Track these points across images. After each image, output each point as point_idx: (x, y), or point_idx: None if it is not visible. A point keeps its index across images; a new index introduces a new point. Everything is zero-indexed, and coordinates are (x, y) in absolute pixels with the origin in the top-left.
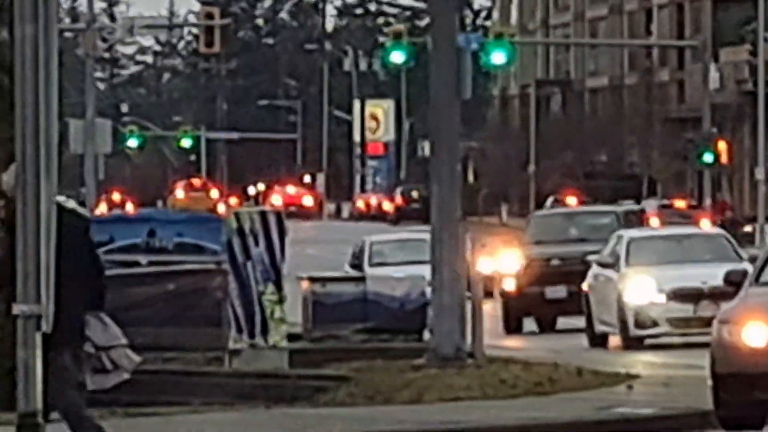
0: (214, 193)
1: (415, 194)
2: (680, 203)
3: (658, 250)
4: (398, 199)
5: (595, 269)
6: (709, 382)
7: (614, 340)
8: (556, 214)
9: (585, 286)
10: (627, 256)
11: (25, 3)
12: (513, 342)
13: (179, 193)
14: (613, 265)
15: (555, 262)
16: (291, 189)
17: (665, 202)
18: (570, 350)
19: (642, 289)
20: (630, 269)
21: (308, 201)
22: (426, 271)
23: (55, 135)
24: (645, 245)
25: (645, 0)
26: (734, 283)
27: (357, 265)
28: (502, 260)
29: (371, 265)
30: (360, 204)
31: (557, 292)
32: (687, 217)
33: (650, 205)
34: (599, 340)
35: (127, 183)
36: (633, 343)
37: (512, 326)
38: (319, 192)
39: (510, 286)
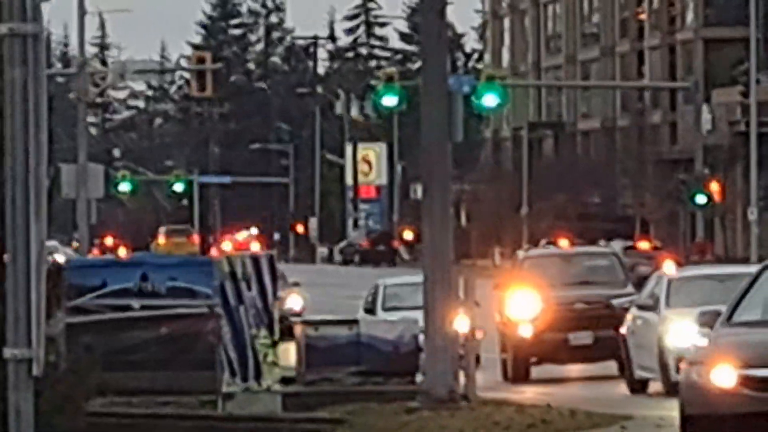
0: (196, 239)
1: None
2: (644, 245)
3: (700, 290)
4: (364, 242)
5: (634, 312)
6: (678, 424)
7: (655, 386)
8: (552, 255)
9: (623, 330)
10: (667, 297)
11: (14, 47)
12: (535, 388)
13: (161, 239)
14: (653, 308)
15: (579, 306)
16: (240, 235)
17: (628, 243)
18: (564, 394)
19: (684, 332)
20: (671, 311)
21: (255, 247)
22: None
23: (45, 178)
24: (686, 286)
25: (637, 42)
26: (708, 324)
27: (371, 309)
28: (513, 304)
29: (385, 309)
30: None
31: (582, 338)
32: (650, 259)
33: (614, 247)
34: (639, 386)
35: (119, 227)
36: (675, 389)
37: (521, 374)
38: (264, 239)
39: (526, 331)
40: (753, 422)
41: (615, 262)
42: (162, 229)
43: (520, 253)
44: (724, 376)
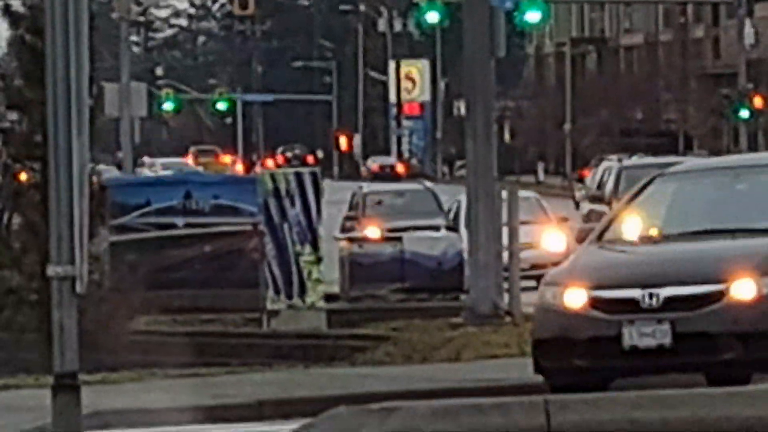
0: (222, 158)
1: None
2: None
3: None
4: (279, 158)
5: None
6: (529, 348)
7: None
8: (651, 166)
9: None
10: None
11: None
12: None
13: (190, 159)
14: None
15: None
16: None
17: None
18: None
19: None
20: None
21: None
22: (526, 230)
23: (86, 96)
24: None
25: None
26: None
27: (452, 227)
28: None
29: (468, 226)
30: (373, 165)
31: None
32: None
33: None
34: None
35: (163, 146)
36: None
37: None
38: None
39: None
40: (602, 347)
41: None
42: (191, 150)
43: (612, 164)
44: (576, 297)
